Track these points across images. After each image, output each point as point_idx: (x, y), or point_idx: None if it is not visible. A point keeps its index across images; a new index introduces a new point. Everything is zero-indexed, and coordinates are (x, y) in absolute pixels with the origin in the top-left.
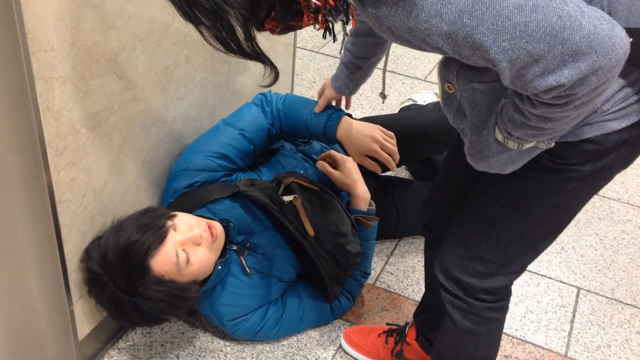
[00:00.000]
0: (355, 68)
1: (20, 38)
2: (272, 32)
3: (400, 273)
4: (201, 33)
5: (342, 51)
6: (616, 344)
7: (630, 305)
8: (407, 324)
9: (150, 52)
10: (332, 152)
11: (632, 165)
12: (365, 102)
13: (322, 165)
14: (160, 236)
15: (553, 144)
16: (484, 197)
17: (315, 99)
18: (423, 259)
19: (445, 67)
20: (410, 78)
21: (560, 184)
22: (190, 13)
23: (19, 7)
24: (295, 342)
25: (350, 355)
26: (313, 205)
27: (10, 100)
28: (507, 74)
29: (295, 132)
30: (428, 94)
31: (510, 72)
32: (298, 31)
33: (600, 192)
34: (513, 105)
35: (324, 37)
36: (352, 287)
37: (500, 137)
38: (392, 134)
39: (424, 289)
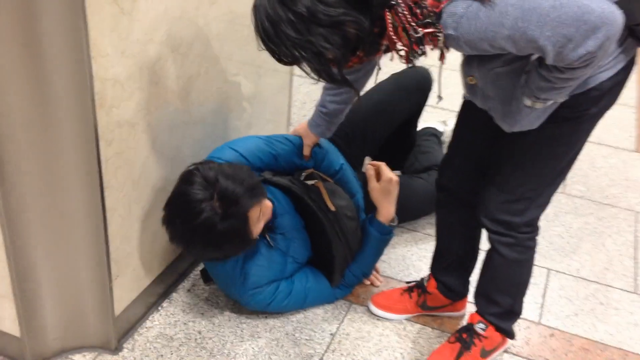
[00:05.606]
0: (340, 113)
1: (84, 45)
2: (351, 66)
3: (392, 261)
4: (301, 68)
5: (322, 104)
6: (583, 313)
7: (594, 282)
8: (423, 278)
9: (179, 62)
10: (384, 165)
11: (592, 168)
12: None
13: (370, 170)
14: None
15: (567, 97)
16: (516, 154)
17: (304, 117)
18: (412, 248)
19: (467, 64)
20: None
21: (575, 126)
22: (299, 55)
23: (85, 19)
24: (303, 318)
25: (384, 318)
26: (331, 191)
27: (74, 97)
28: (551, 55)
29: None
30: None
31: (553, 53)
32: None
33: (566, 191)
34: (539, 77)
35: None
36: (351, 281)
37: (529, 102)
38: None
39: (413, 273)
